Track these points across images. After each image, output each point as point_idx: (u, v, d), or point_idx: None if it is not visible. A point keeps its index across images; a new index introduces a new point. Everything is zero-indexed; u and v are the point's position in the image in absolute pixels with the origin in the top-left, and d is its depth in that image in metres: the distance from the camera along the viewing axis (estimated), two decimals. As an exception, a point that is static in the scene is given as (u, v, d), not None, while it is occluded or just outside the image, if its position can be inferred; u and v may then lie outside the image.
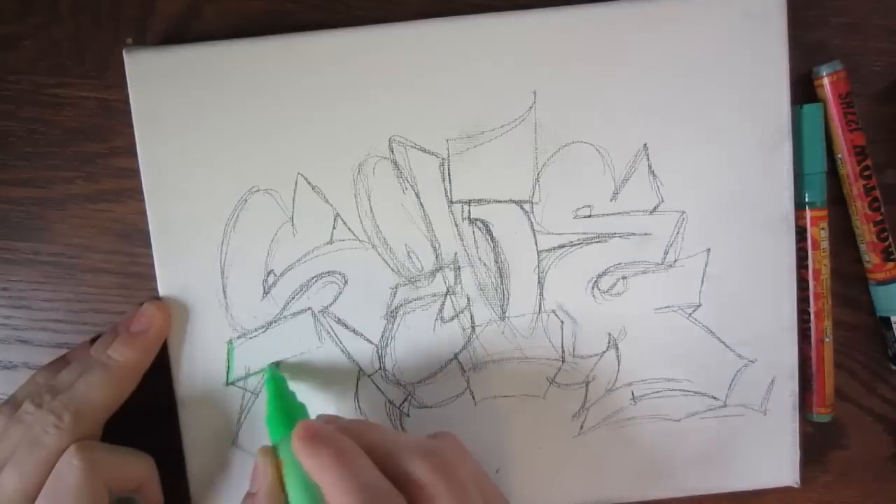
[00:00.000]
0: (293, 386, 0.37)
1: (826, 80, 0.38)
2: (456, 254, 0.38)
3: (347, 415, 0.38)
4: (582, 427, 0.39)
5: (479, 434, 0.39)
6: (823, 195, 0.39)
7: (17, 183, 0.39)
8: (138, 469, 0.35)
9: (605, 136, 0.38)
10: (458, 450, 0.32)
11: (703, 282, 0.39)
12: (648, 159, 0.38)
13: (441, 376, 0.39)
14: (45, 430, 0.32)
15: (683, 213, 0.38)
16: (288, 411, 0.34)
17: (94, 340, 0.37)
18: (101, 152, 0.39)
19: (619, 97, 0.37)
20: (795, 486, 0.40)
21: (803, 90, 0.39)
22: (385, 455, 0.29)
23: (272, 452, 0.32)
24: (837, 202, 0.40)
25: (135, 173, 0.37)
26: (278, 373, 0.37)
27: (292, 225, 0.38)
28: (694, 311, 0.39)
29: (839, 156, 0.39)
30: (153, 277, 0.37)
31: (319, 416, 0.33)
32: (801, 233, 0.39)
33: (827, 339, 0.40)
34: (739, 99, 0.37)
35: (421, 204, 0.38)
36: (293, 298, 0.38)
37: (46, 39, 0.39)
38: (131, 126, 0.37)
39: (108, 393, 0.34)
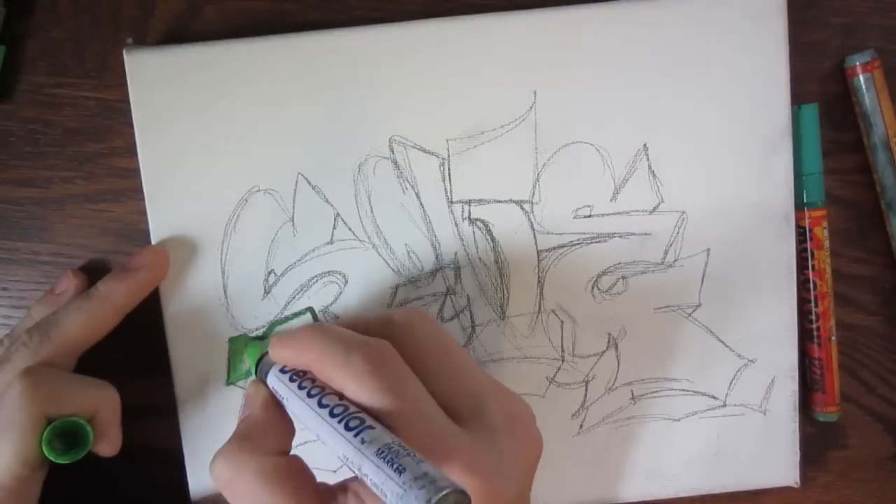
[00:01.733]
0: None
1: (859, 69, 0.38)
2: (456, 254, 0.38)
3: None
4: (581, 426, 0.39)
5: (479, 434, 0.39)
6: (822, 195, 0.39)
7: (17, 183, 0.39)
8: (90, 397, 0.33)
9: (605, 136, 0.38)
10: (422, 313, 0.32)
11: (702, 282, 0.39)
12: (648, 159, 0.38)
13: (441, 376, 0.39)
14: (15, 349, 0.33)
15: (683, 213, 0.38)
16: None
17: None
18: (101, 152, 0.39)
19: (619, 97, 0.37)
20: (795, 486, 0.40)
21: (803, 90, 0.39)
22: (355, 324, 0.30)
23: (261, 383, 0.31)
24: (837, 202, 0.40)
25: (135, 173, 0.37)
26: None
27: (293, 225, 0.38)
28: (694, 310, 0.39)
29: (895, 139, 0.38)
30: (153, 277, 0.37)
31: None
32: (801, 233, 0.39)
33: (833, 338, 0.40)
34: (739, 99, 0.38)
35: (421, 204, 0.38)
36: (294, 298, 0.38)
37: (46, 39, 0.39)
38: (131, 126, 0.37)
39: (82, 322, 0.34)
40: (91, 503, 0.41)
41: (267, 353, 0.32)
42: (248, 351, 0.36)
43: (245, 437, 0.28)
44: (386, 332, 0.29)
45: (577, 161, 0.38)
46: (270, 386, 0.30)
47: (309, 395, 0.28)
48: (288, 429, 0.30)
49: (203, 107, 0.37)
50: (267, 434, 0.29)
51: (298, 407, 0.28)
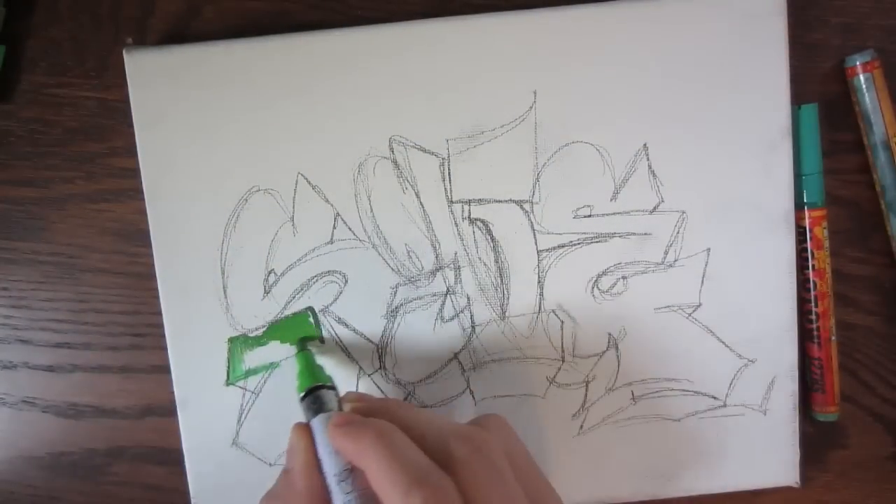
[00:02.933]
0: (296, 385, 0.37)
1: (860, 68, 0.38)
2: (456, 253, 0.38)
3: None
4: (582, 427, 0.39)
5: (479, 434, 0.39)
6: (822, 195, 0.39)
7: (17, 183, 0.39)
8: None
9: (605, 136, 0.38)
10: (497, 430, 0.31)
11: (703, 282, 0.39)
12: (648, 159, 0.38)
13: (441, 376, 0.39)
14: None
15: (683, 213, 0.38)
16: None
17: None
18: (101, 152, 0.39)
19: (619, 97, 0.37)
20: (795, 485, 0.40)
21: (803, 90, 0.39)
22: (421, 436, 0.29)
23: (306, 429, 0.31)
24: (837, 202, 0.40)
25: (135, 173, 0.37)
26: (307, 347, 0.37)
27: (293, 224, 0.38)
28: (694, 310, 0.39)
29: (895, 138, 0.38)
30: (153, 277, 0.37)
31: (348, 394, 0.33)
32: (801, 233, 0.39)
33: (833, 338, 0.40)
34: (739, 99, 0.38)
35: (421, 204, 0.38)
36: (294, 298, 0.38)
37: (46, 39, 0.39)
38: (131, 126, 0.37)
39: None
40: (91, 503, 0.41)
41: (322, 387, 0.32)
42: (299, 359, 0.35)
43: (282, 498, 0.30)
44: (446, 459, 0.28)
45: (577, 161, 0.38)
46: (317, 440, 0.31)
47: None
48: (322, 495, 0.30)
49: (203, 107, 0.37)
50: (304, 499, 0.30)
51: (335, 501, 0.29)
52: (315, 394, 0.32)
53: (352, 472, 0.29)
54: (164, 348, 0.38)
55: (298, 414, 0.38)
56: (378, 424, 0.29)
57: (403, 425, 0.29)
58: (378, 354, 0.38)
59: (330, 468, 0.29)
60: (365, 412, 0.30)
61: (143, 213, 0.37)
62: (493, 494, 0.28)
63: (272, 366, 0.38)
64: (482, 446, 0.29)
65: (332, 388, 0.33)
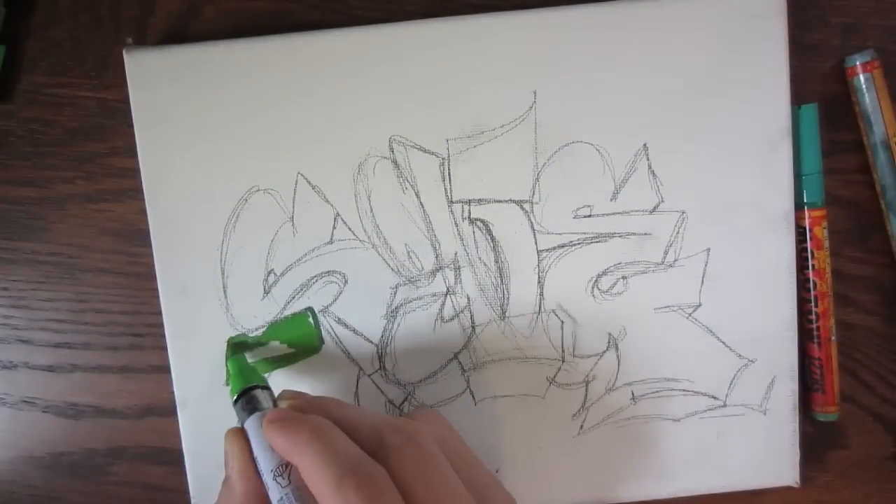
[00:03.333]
0: (295, 386, 0.37)
1: (860, 68, 0.38)
2: (456, 254, 0.38)
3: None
4: (582, 427, 0.39)
5: (479, 434, 0.39)
6: (822, 195, 0.39)
7: (17, 183, 0.39)
8: None
9: (605, 136, 0.38)
10: (428, 420, 0.31)
11: (703, 282, 0.39)
12: (648, 159, 0.38)
13: (441, 376, 0.39)
14: None
15: (683, 212, 0.38)
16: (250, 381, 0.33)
17: None
18: (101, 152, 0.39)
19: (619, 97, 0.37)
20: (795, 485, 0.40)
21: (802, 90, 0.39)
22: (352, 430, 0.29)
23: (239, 433, 0.31)
24: (837, 202, 0.40)
25: (135, 173, 0.37)
26: (238, 352, 0.37)
27: (292, 225, 0.38)
28: (694, 310, 0.39)
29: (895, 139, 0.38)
30: (153, 277, 0.37)
31: (283, 392, 0.33)
32: (801, 233, 0.39)
33: (833, 338, 0.40)
34: (739, 99, 0.37)
35: (421, 204, 0.38)
36: (293, 298, 0.38)
37: (46, 39, 0.39)
38: (131, 126, 0.37)
39: None
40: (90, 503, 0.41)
41: (255, 387, 0.32)
42: (231, 363, 0.35)
43: None
44: (378, 450, 0.28)
45: (577, 161, 0.38)
46: (252, 440, 0.31)
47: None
48: (261, 496, 0.30)
49: (203, 107, 0.37)
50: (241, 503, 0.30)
51: (272, 497, 0.29)
52: (248, 395, 0.32)
53: (287, 467, 0.29)
54: (164, 348, 0.38)
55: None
56: (313, 420, 0.29)
57: (336, 420, 0.29)
58: (378, 355, 0.38)
59: (265, 465, 0.29)
60: (300, 409, 0.31)
61: (143, 213, 0.37)
62: (426, 480, 0.28)
63: (272, 366, 0.38)
64: (414, 434, 0.29)
65: (266, 387, 0.33)
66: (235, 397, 0.32)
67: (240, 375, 0.33)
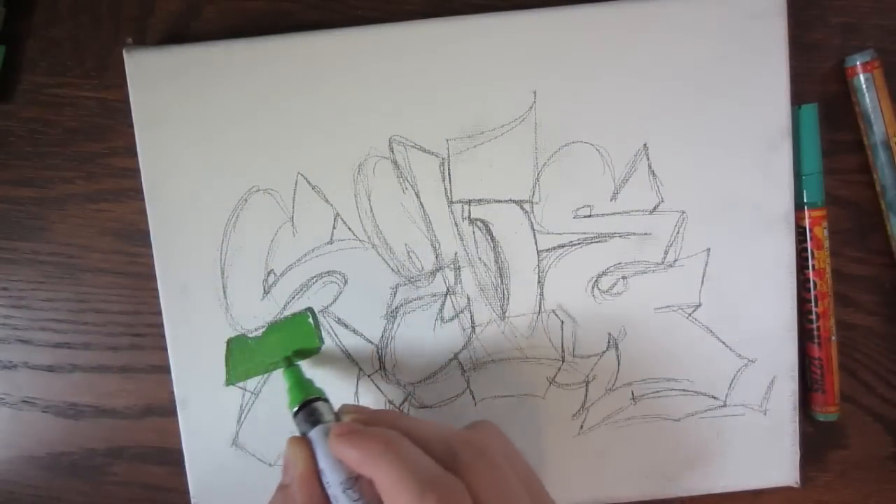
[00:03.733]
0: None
1: (860, 68, 0.38)
2: (456, 254, 0.38)
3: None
4: (582, 427, 0.39)
5: (479, 434, 0.39)
6: (822, 195, 0.39)
7: (17, 183, 0.39)
8: None
9: (605, 136, 0.38)
10: (494, 436, 0.31)
11: (703, 282, 0.39)
12: (648, 159, 0.38)
13: (441, 376, 0.39)
14: None
15: (683, 213, 0.38)
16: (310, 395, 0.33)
17: None
18: (101, 152, 0.39)
19: (619, 97, 0.37)
20: (795, 485, 0.40)
21: (803, 90, 0.39)
22: (425, 443, 0.29)
23: (304, 441, 0.31)
24: (837, 202, 0.40)
25: (135, 173, 0.37)
26: (294, 363, 0.36)
27: (292, 225, 0.38)
28: (694, 310, 0.39)
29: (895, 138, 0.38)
30: (153, 277, 0.37)
31: (344, 406, 0.33)
32: (801, 233, 0.39)
33: (833, 338, 0.40)
34: (739, 99, 0.37)
35: (421, 204, 0.38)
36: (293, 298, 0.38)
37: (46, 39, 0.39)
38: (131, 126, 0.37)
39: None
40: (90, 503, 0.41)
41: (315, 399, 0.32)
42: (287, 375, 0.35)
43: None
44: (452, 464, 0.28)
45: (577, 161, 0.38)
46: (317, 452, 0.30)
47: None
48: None
49: (203, 107, 0.37)
50: None
51: None
52: (309, 407, 0.32)
53: (357, 480, 0.29)
54: (164, 348, 0.38)
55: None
56: (384, 432, 0.29)
57: (406, 433, 0.29)
58: (378, 355, 0.38)
59: (334, 478, 0.29)
60: (365, 422, 0.30)
61: (143, 213, 0.37)
62: (500, 496, 0.28)
63: (272, 366, 0.38)
64: (485, 450, 0.29)
65: (325, 400, 0.33)
66: (296, 409, 0.32)
67: (298, 387, 0.33)
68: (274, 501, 0.31)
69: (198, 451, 0.38)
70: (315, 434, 0.31)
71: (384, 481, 0.27)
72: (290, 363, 0.36)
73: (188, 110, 0.37)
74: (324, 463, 0.30)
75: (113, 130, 0.39)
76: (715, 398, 0.39)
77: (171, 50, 0.37)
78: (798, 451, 0.40)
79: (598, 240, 0.38)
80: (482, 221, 0.38)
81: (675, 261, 0.38)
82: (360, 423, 0.30)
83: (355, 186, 0.37)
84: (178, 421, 0.38)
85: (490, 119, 0.37)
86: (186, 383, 0.38)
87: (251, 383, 0.38)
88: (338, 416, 0.32)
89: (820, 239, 0.39)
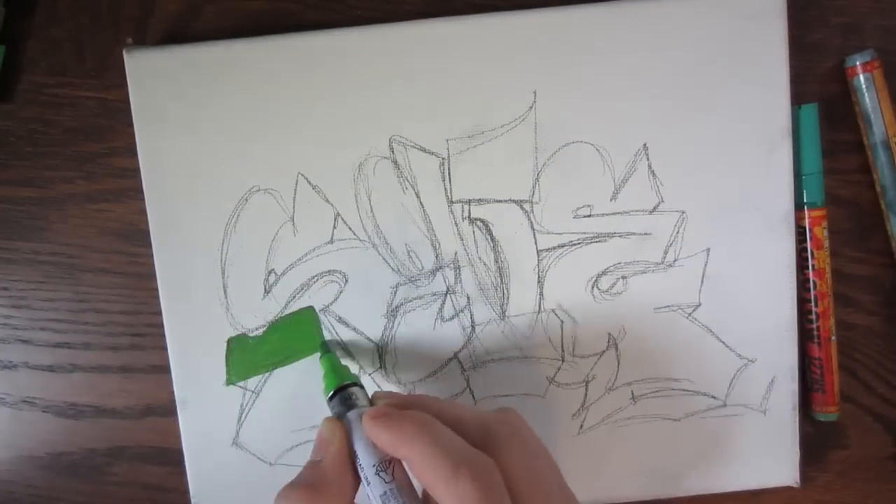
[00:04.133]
0: (296, 387, 0.37)
1: (860, 68, 0.38)
2: (456, 253, 0.38)
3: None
4: (581, 426, 0.39)
5: (479, 434, 0.39)
6: (822, 195, 0.39)
7: (17, 183, 0.39)
8: None
9: (605, 136, 0.38)
10: (522, 420, 0.31)
11: (702, 282, 0.39)
12: (648, 159, 0.38)
13: (441, 375, 0.39)
14: None
15: (683, 212, 0.38)
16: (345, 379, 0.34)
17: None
18: (101, 152, 0.39)
19: (619, 97, 0.37)
20: (795, 485, 0.40)
21: (803, 90, 0.39)
22: (457, 423, 0.29)
23: (339, 422, 0.31)
24: (837, 202, 0.40)
25: (135, 173, 0.37)
26: (330, 349, 0.37)
27: (293, 224, 0.38)
28: (694, 310, 0.39)
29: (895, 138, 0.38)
30: (153, 277, 0.37)
31: (376, 392, 0.33)
32: (801, 233, 0.39)
33: (833, 338, 0.40)
34: (739, 99, 0.38)
35: (421, 204, 0.38)
36: (294, 298, 0.38)
37: (46, 39, 0.39)
38: (131, 126, 0.37)
39: None
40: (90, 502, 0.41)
41: (351, 384, 0.33)
42: (323, 362, 0.35)
43: (313, 488, 0.29)
44: (486, 442, 0.29)
45: (577, 161, 0.38)
46: (351, 435, 0.31)
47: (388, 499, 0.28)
48: (354, 485, 0.30)
49: (203, 107, 0.37)
50: (335, 490, 0.29)
51: (373, 492, 0.29)
52: (345, 391, 0.32)
53: (391, 464, 0.29)
54: (164, 348, 0.38)
55: (301, 414, 0.38)
56: (416, 415, 0.29)
57: (438, 415, 0.30)
58: (378, 354, 0.38)
59: (367, 460, 0.29)
60: (398, 407, 0.31)
61: (143, 213, 0.37)
62: (533, 473, 0.29)
63: (272, 365, 0.38)
64: (518, 430, 0.30)
65: (361, 386, 0.33)
66: (331, 394, 0.33)
67: (334, 373, 0.34)
68: (302, 476, 0.30)
69: (198, 451, 0.38)
70: (351, 416, 0.31)
71: (417, 461, 0.28)
72: (326, 349, 0.36)
73: (188, 110, 0.37)
74: (358, 445, 0.30)
75: (113, 130, 0.39)
76: (715, 398, 0.39)
77: (171, 50, 0.37)
78: (798, 451, 0.40)
79: (597, 240, 0.38)
80: (482, 221, 0.38)
81: (675, 261, 0.38)
82: (395, 406, 0.31)
83: (355, 186, 0.37)
84: (178, 421, 0.38)
85: (490, 119, 0.37)
86: (186, 383, 0.38)
87: (251, 383, 0.38)
88: (371, 402, 0.32)
89: (820, 239, 0.39)
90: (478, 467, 0.27)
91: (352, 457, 0.30)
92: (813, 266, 0.39)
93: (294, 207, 0.37)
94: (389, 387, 0.38)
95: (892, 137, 0.39)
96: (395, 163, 0.37)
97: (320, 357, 0.36)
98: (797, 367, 0.39)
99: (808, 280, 0.39)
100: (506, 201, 0.38)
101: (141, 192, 0.37)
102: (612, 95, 0.37)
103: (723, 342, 0.39)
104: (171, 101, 0.37)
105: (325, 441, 0.31)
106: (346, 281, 0.38)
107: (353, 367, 0.38)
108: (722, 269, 0.38)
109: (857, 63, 0.38)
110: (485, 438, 0.29)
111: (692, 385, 0.39)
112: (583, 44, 0.37)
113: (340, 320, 0.38)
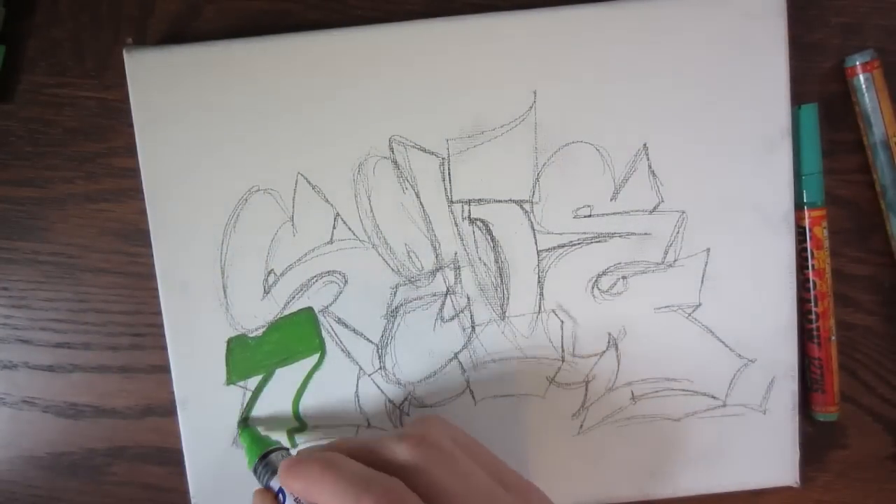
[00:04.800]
0: (295, 387, 0.37)
1: (859, 68, 0.38)
2: (456, 253, 0.38)
3: (346, 415, 0.38)
4: (582, 426, 0.39)
5: (478, 433, 0.38)
6: (822, 195, 0.39)
7: (17, 183, 0.39)
8: None
9: (605, 136, 0.38)
10: (435, 424, 0.31)
11: (702, 282, 0.39)
12: (648, 159, 0.38)
13: (441, 376, 0.39)
14: None
15: (683, 212, 0.38)
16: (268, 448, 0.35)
17: None
18: (101, 152, 0.39)
19: (619, 97, 0.37)
20: (795, 485, 0.40)
21: (803, 90, 0.39)
22: (367, 453, 0.29)
23: (266, 492, 0.32)
24: (837, 202, 0.40)
25: (135, 173, 0.37)
26: (247, 424, 0.38)
27: (292, 224, 0.38)
28: (694, 310, 0.39)
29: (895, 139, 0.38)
30: (153, 277, 0.37)
31: (300, 451, 0.33)
32: (801, 233, 0.39)
33: (833, 338, 0.40)
34: (739, 99, 0.38)
35: (421, 204, 0.38)
36: (293, 298, 0.38)
37: (46, 39, 0.39)
38: (131, 126, 0.37)
39: None
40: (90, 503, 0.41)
41: (271, 450, 0.34)
42: (243, 437, 0.36)
43: None
44: (397, 461, 0.29)
45: (577, 161, 0.38)
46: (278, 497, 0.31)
47: None
48: None
49: (203, 107, 0.37)
50: None
51: None
52: (266, 459, 0.34)
53: None
54: (164, 348, 0.38)
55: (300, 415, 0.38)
56: (320, 455, 0.29)
57: (350, 451, 0.30)
58: (378, 354, 0.38)
59: None
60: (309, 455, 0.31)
61: (143, 213, 0.37)
62: (450, 474, 0.28)
63: (272, 366, 0.38)
64: (424, 437, 0.29)
65: (283, 448, 0.34)
66: (254, 466, 0.34)
67: (254, 446, 0.35)
68: None
69: (198, 451, 0.38)
70: (275, 483, 0.32)
71: (326, 500, 0.28)
72: (244, 425, 0.37)
73: (188, 110, 0.37)
74: None
75: (113, 130, 0.39)
76: (715, 398, 0.39)
77: (171, 50, 0.37)
78: (798, 451, 0.40)
79: (598, 240, 0.38)
80: (482, 221, 0.38)
81: (675, 261, 0.38)
82: (306, 454, 0.31)
83: (355, 186, 0.37)
84: (178, 421, 0.38)
85: (490, 119, 0.37)
86: (186, 383, 0.38)
87: (251, 383, 0.38)
88: None
89: (820, 239, 0.39)
90: (379, 490, 0.27)
91: None
92: (813, 266, 0.39)
93: (294, 208, 0.37)
94: (389, 388, 0.38)
95: (892, 137, 0.39)
96: (395, 163, 0.37)
97: (239, 434, 0.37)
98: (797, 367, 0.39)
99: (808, 280, 0.39)
100: (506, 201, 0.38)
101: (141, 192, 0.37)
102: (612, 95, 0.37)
103: (723, 342, 0.39)
104: (171, 101, 0.37)
105: None
106: (346, 281, 0.38)
107: (353, 369, 0.38)
108: (722, 269, 0.38)
109: (857, 63, 0.38)
110: (391, 458, 0.29)
111: (692, 385, 0.39)
112: (583, 44, 0.37)
113: (340, 321, 0.38)
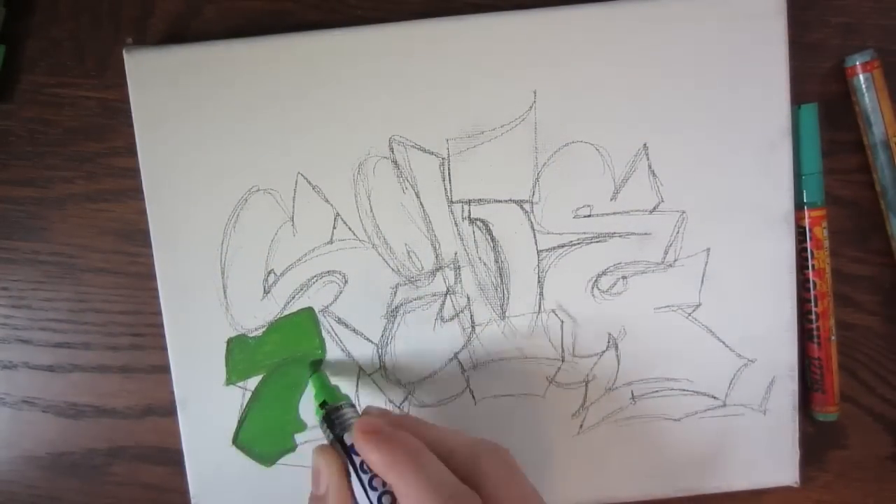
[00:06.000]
0: (296, 387, 0.37)
1: (859, 68, 0.38)
2: (456, 253, 0.38)
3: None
4: (581, 426, 0.39)
5: (478, 433, 0.38)
6: (822, 195, 0.39)
7: (17, 183, 0.39)
8: None
9: (605, 136, 0.38)
10: (508, 454, 0.31)
11: (702, 282, 0.39)
12: (648, 159, 0.38)
13: (441, 375, 0.39)
14: None
15: (683, 212, 0.38)
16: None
17: None
18: (101, 152, 0.39)
19: (619, 97, 0.37)
20: (795, 485, 0.40)
21: (803, 90, 0.39)
22: (447, 453, 0.29)
23: (333, 451, 0.31)
24: (837, 202, 0.40)
25: (135, 173, 0.37)
26: (319, 368, 0.37)
27: (292, 224, 0.38)
28: (694, 310, 0.39)
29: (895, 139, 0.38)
30: (153, 277, 0.37)
31: (367, 408, 0.33)
32: (801, 233, 0.39)
33: (833, 338, 0.40)
34: (739, 98, 0.38)
35: (421, 204, 0.38)
36: (293, 298, 0.38)
37: (46, 39, 0.39)
38: (131, 126, 0.37)
39: None
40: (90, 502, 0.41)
41: (342, 405, 0.32)
42: (313, 381, 0.36)
43: None
44: (474, 475, 0.29)
45: (576, 161, 0.38)
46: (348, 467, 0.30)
47: None
48: None
49: (203, 107, 0.37)
50: None
51: None
52: (336, 413, 0.32)
53: (391, 494, 0.29)
54: (164, 348, 0.38)
55: (300, 415, 0.38)
56: (407, 440, 0.29)
57: (428, 441, 0.29)
58: (378, 354, 0.38)
59: (371, 493, 0.29)
60: (390, 425, 0.30)
61: (143, 213, 0.37)
62: (516, 496, 0.29)
63: (272, 366, 0.38)
64: (508, 462, 0.30)
65: (352, 405, 0.33)
66: (322, 416, 0.32)
67: (324, 393, 0.34)
68: None
69: (198, 451, 0.38)
70: (349, 438, 0.31)
71: (403, 492, 0.28)
72: (315, 368, 0.36)
73: (188, 110, 0.37)
74: (355, 480, 0.30)
75: (113, 130, 0.39)
76: (715, 398, 0.39)
77: (171, 50, 0.37)
78: (798, 451, 0.40)
79: (597, 240, 0.38)
80: (482, 221, 0.38)
81: (675, 261, 0.38)
82: (386, 424, 0.31)
83: (355, 186, 0.37)
84: (178, 421, 0.38)
85: (490, 119, 0.37)
86: (186, 383, 0.38)
87: (251, 383, 0.38)
88: None
89: (820, 239, 0.39)
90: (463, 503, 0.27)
91: (350, 486, 0.30)
92: (813, 266, 0.39)
93: (294, 207, 0.37)
94: (389, 388, 0.38)
95: (892, 137, 0.39)
96: (395, 163, 0.37)
97: (310, 376, 0.36)
98: (797, 367, 0.39)
99: (808, 280, 0.39)
100: (506, 201, 0.38)
101: (141, 192, 0.37)
102: (612, 95, 0.37)
103: (723, 342, 0.39)
104: (171, 101, 0.37)
105: (320, 472, 0.31)
106: (346, 281, 0.38)
107: (353, 368, 0.38)
108: (722, 269, 0.38)
109: (857, 63, 0.38)
110: (473, 471, 0.29)
111: (692, 385, 0.39)
112: (583, 44, 0.37)
113: (340, 321, 0.38)
